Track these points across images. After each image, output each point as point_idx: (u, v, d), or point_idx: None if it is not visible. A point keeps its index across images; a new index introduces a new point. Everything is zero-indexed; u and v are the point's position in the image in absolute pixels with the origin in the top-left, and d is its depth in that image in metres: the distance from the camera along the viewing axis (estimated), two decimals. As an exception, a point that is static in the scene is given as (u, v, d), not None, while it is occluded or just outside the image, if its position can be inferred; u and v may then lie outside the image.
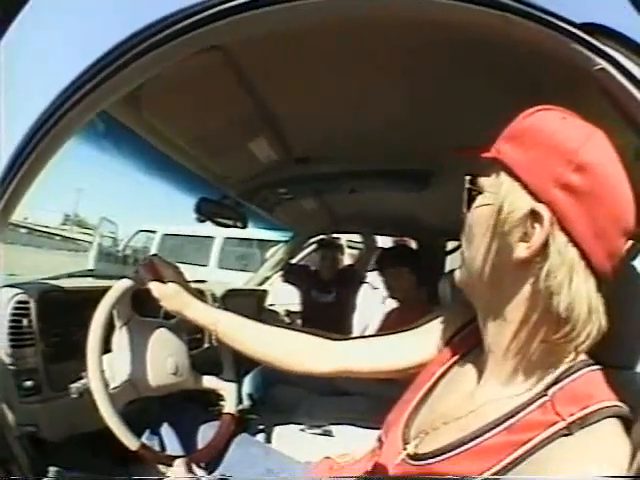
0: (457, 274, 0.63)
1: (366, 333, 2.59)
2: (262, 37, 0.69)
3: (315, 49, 0.83)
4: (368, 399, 1.62)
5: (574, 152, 0.50)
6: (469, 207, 0.60)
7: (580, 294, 0.50)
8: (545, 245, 0.51)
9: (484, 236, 0.56)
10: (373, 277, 2.75)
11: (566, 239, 0.51)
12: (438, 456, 0.57)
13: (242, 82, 0.92)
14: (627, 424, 0.49)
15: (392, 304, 2.12)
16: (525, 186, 0.53)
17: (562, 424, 0.49)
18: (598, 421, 0.48)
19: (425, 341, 0.75)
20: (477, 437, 0.54)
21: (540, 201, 0.51)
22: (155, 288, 0.90)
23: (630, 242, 0.54)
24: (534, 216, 0.51)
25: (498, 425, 0.53)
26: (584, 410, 0.49)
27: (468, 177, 0.60)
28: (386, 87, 0.99)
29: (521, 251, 0.52)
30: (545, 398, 0.52)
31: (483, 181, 0.59)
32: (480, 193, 0.59)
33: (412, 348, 0.77)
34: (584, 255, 0.51)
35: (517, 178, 0.53)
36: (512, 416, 0.53)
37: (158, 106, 0.96)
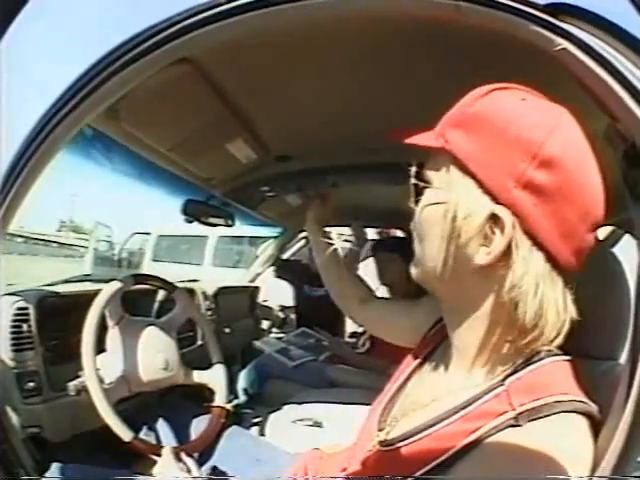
0: (412, 269, 0.58)
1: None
2: (228, 45, 0.72)
3: (282, 52, 0.85)
4: (357, 391, 1.66)
5: (539, 144, 0.44)
6: (417, 202, 0.54)
7: (547, 300, 0.47)
8: (507, 250, 0.46)
9: (438, 238, 0.51)
10: (364, 269, 2.79)
11: (530, 243, 0.46)
12: (402, 441, 0.57)
13: (214, 89, 0.96)
14: (593, 421, 0.46)
15: (384, 294, 2.16)
16: (481, 185, 0.47)
17: (511, 414, 0.46)
18: (552, 414, 0.45)
19: (423, 319, 0.74)
20: (436, 424, 0.53)
21: (499, 202, 0.46)
22: None
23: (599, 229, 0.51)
24: (494, 220, 0.46)
25: (455, 413, 0.52)
26: (536, 402, 0.46)
27: (414, 169, 0.54)
28: (358, 81, 0.99)
29: (481, 257, 0.48)
30: (502, 388, 0.50)
31: (431, 174, 0.52)
32: (428, 187, 0.52)
33: (422, 315, 0.75)
34: (550, 257, 0.46)
35: (471, 174, 0.47)
36: (469, 404, 0.51)
37: (135, 117, 0.99)
